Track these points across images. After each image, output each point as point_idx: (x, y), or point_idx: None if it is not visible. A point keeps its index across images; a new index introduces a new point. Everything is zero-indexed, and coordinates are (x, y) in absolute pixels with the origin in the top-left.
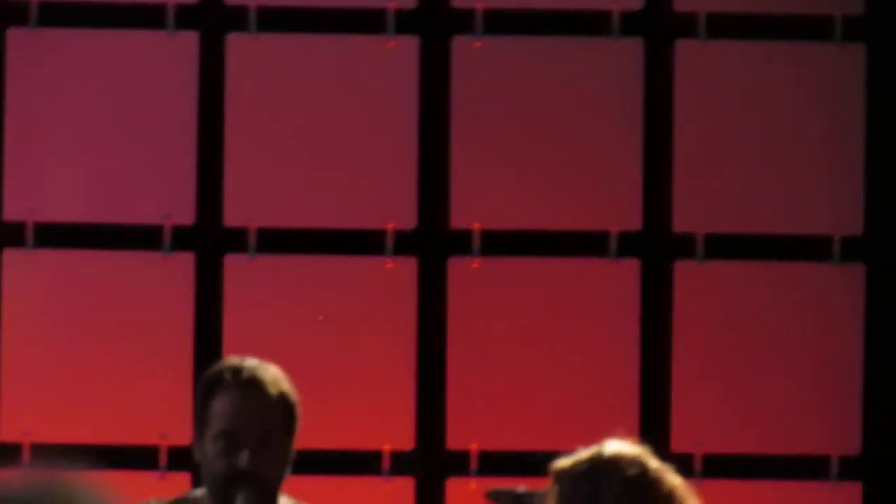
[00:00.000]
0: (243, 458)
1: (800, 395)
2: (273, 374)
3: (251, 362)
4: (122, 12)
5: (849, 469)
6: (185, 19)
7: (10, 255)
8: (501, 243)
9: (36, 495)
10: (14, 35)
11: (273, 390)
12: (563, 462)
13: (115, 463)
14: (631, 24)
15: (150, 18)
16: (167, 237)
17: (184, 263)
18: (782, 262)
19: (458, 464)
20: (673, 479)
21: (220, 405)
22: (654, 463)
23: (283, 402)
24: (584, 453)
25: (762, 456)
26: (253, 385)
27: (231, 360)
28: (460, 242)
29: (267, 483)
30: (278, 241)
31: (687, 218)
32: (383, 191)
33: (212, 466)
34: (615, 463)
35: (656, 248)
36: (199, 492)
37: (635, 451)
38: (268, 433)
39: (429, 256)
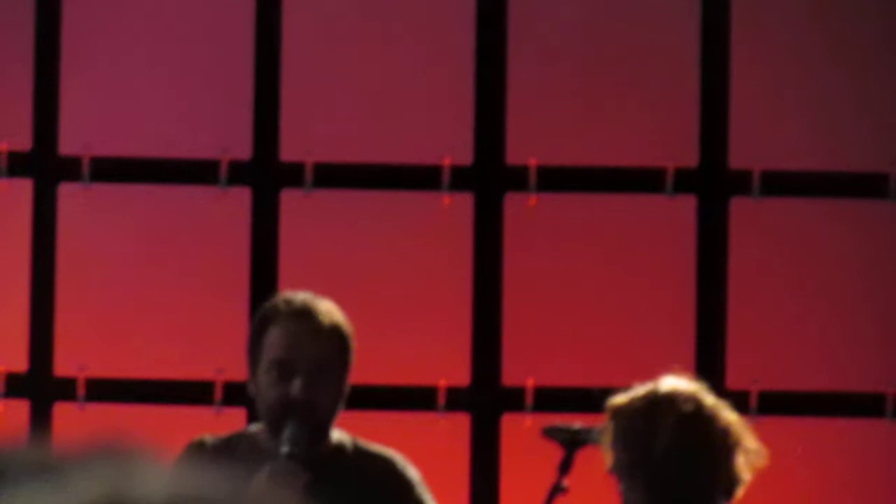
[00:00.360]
0: (296, 386)
1: (855, 332)
2: (327, 306)
3: (304, 295)
4: None
5: None
6: None
7: (67, 189)
8: (558, 179)
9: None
10: None
11: (326, 320)
12: (619, 399)
13: (171, 398)
14: None
15: None
16: (224, 171)
17: (240, 198)
18: (839, 199)
19: (514, 400)
20: (728, 415)
21: (274, 336)
22: (709, 399)
23: (337, 333)
24: (640, 390)
25: (818, 393)
26: (306, 315)
27: (285, 293)
28: (517, 178)
29: (319, 412)
30: (335, 175)
31: (744, 154)
32: (440, 126)
33: (265, 397)
34: (671, 399)
35: (713, 184)
36: (254, 428)
37: (691, 388)
38: (321, 362)
39: (485, 192)
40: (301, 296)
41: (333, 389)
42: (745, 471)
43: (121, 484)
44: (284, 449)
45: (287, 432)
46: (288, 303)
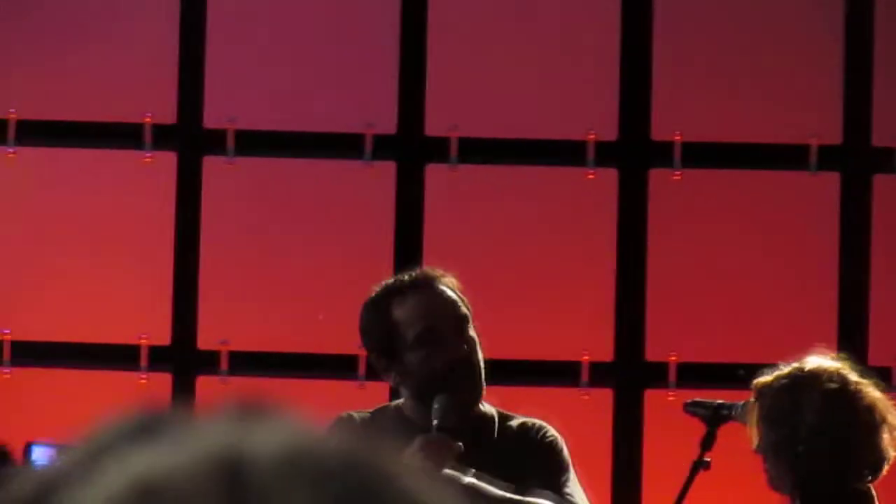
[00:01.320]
0: (453, 347)
1: None
2: (437, 270)
3: (410, 271)
4: None
5: None
6: None
7: (211, 162)
8: (702, 155)
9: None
10: None
11: (450, 284)
12: (764, 377)
13: (314, 371)
14: None
15: None
16: (369, 146)
17: (385, 172)
18: None
19: (657, 375)
20: (874, 392)
21: (408, 311)
22: (854, 377)
23: (460, 294)
24: (784, 368)
25: None
26: (431, 283)
27: (391, 277)
28: (661, 153)
29: (479, 368)
30: (479, 150)
31: (887, 132)
32: (585, 101)
33: (423, 370)
34: (816, 377)
35: (856, 160)
36: (399, 402)
37: (835, 366)
38: (463, 322)
39: (630, 167)
40: (409, 271)
41: (477, 345)
42: (891, 448)
43: (238, 437)
44: (436, 421)
45: (438, 403)
46: (405, 277)
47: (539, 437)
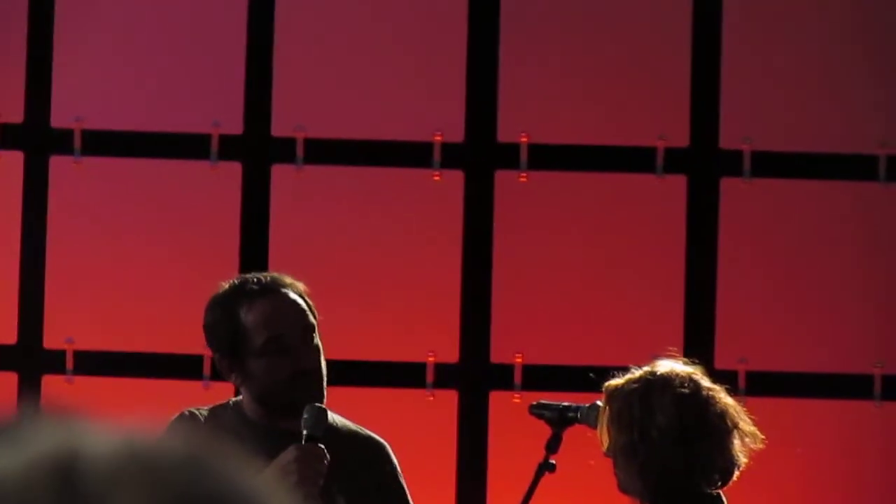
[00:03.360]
0: (300, 359)
1: (843, 313)
2: (286, 277)
3: (260, 273)
4: None
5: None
6: None
7: (58, 161)
8: (549, 157)
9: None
10: None
11: (298, 290)
12: (615, 380)
13: (160, 372)
14: None
15: None
16: (215, 146)
17: (232, 173)
18: (829, 180)
19: (502, 377)
20: (725, 398)
21: (256, 316)
22: (706, 382)
23: (308, 301)
24: (636, 372)
25: (805, 374)
26: (280, 288)
27: (239, 277)
28: (507, 155)
29: (323, 378)
30: (326, 151)
31: (734, 134)
32: (431, 102)
33: (268, 377)
34: (667, 381)
35: (703, 163)
36: (237, 399)
37: (687, 370)
38: (310, 331)
39: (476, 169)
40: (259, 274)
41: (321, 353)
42: (742, 454)
43: (72, 439)
44: (307, 431)
45: (307, 413)
46: (254, 280)
47: (388, 461)
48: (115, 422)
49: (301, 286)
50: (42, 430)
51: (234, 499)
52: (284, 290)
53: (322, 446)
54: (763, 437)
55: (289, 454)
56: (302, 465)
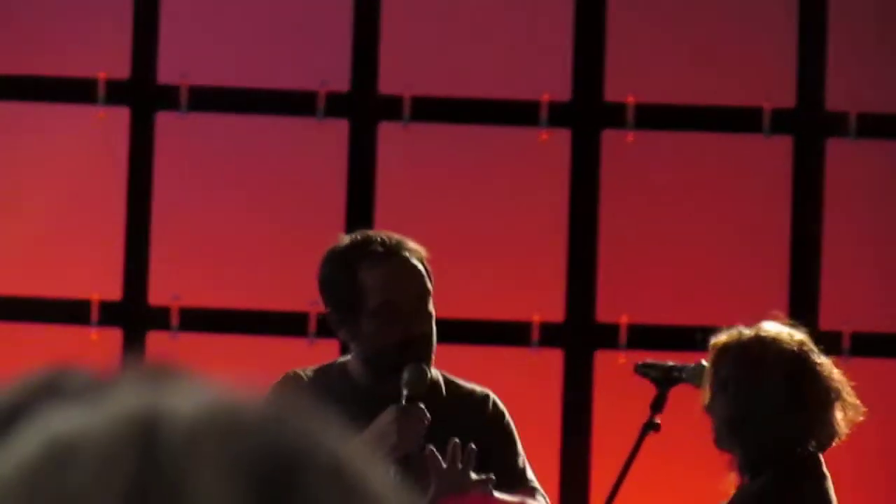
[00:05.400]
0: (413, 326)
1: None
2: (412, 242)
3: (384, 233)
4: None
5: None
6: None
7: (164, 117)
8: (655, 116)
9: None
10: None
11: (419, 256)
12: (722, 338)
13: (265, 329)
14: None
15: None
16: (322, 103)
17: (338, 130)
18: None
19: (608, 336)
20: (831, 368)
21: (375, 278)
22: (813, 351)
23: (427, 269)
24: (743, 334)
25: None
26: (402, 253)
27: (361, 234)
28: (614, 115)
29: (432, 343)
30: (433, 109)
31: (840, 96)
32: (539, 62)
33: (377, 339)
34: (777, 346)
35: (809, 124)
36: (345, 359)
37: (795, 338)
38: (426, 299)
39: (583, 128)
40: (379, 233)
41: (433, 321)
42: (843, 425)
43: (155, 397)
44: (406, 391)
45: (407, 374)
46: (379, 242)
47: (492, 409)
48: (204, 380)
49: (423, 251)
50: (127, 388)
51: (316, 461)
52: (405, 255)
53: (422, 406)
54: (865, 409)
55: (388, 415)
56: (401, 426)
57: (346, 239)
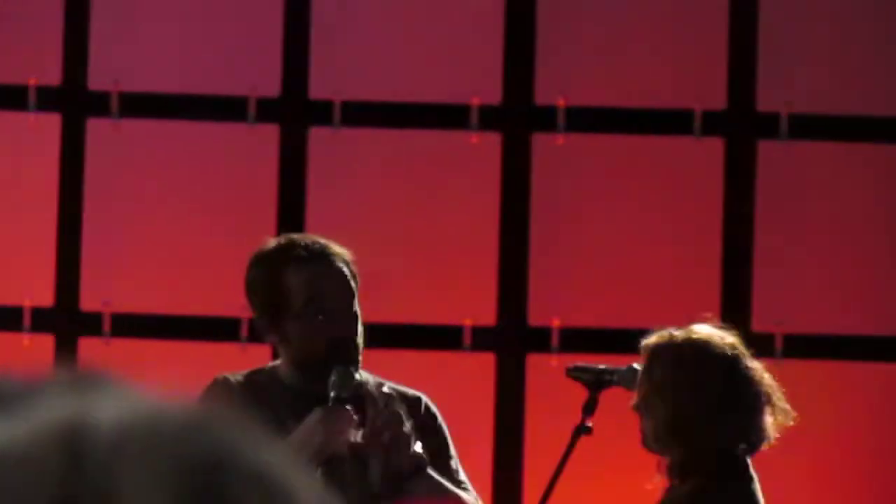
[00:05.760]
0: (339, 327)
1: (880, 276)
2: (334, 244)
3: (308, 236)
4: None
5: None
6: None
7: (95, 123)
8: (587, 119)
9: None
10: None
11: (345, 258)
12: (654, 339)
13: (196, 334)
14: None
15: None
16: (253, 108)
17: (269, 135)
18: (867, 143)
19: (539, 340)
20: (763, 373)
21: (301, 279)
22: (745, 353)
23: (353, 270)
24: (676, 336)
25: (841, 336)
26: (328, 255)
27: (282, 238)
28: (545, 118)
29: (358, 344)
30: (364, 113)
31: (772, 97)
32: (469, 65)
33: (305, 341)
34: (709, 348)
35: (739, 126)
36: (274, 364)
37: (727, 341)
38: (352, 300)
39: (513, 132)
40: (303, 237)
41: (359, 323)
42: (773, 430)
43: (80, 406)
44: (333, 393)
45: (335, 375)
46: (303, 245)
47: (424, 411)
48: (131, 387)
49: (347, 254)
50: (54, 397)
51: (239, 466)
52: (330, 257)
53: (349, 408)
54: (795, 414)
55: (314, 417)
56: (327, 427)
57: (271, 243)
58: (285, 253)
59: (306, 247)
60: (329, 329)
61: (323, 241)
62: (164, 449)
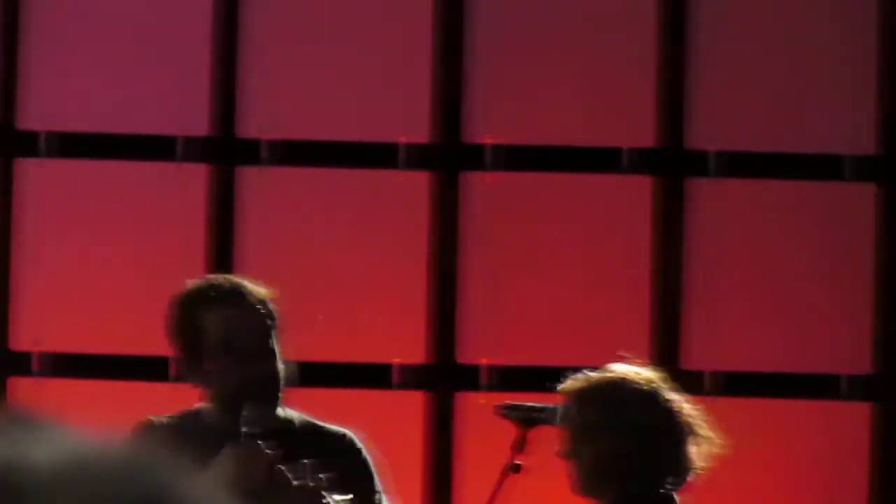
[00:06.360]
0: (255, 365)
1: (813, 315)
2: (250, 283)
3: (220, 276)
4: None
5: (859, 388)
6: None
7: (24, 163)
8: (514, 157)
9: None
10: None
11: (259, 296)
12: (572, 382)
13: (126, 374)
14: None
15: None
16: (181, 147)
17: (197, 174)
18: (796, 180)
19: (469, 378)
20: (683, 403)
21: (215, 319)
22: (663, 387)
23: (269, 307)
24: (592, 376)
25: (775, 374)
26: (241, 294)
27: (200, 279)
28: (474, 157)
29: (279, 387)
30: (293, 152)
31: (698, 135)
32: (397, 103)
33: (222, 380)
34: (627, 385)
35: (669, 165)
36: (202, 405)
37: (644, 375)
38: (268, 338)
39: (442, 170)
40: (221, 277)
41: (279, 359)
42: (699, 459)
43: (12, 448)
44: (246, 429)
45: (248, 412)
46: (216, 286)
47: (350, 447)
48: (62, 428)
49: (263, 291)
50: None
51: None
52: (242, 295)
53: (260, 443)
54: (721, 441)
55: (225, 453)
56: (237, 462)
57: (189, 284)
58: (200, 294)
59: (220, 287)
60: (243, 367)
61: (238, 280)
62: (98, 489)
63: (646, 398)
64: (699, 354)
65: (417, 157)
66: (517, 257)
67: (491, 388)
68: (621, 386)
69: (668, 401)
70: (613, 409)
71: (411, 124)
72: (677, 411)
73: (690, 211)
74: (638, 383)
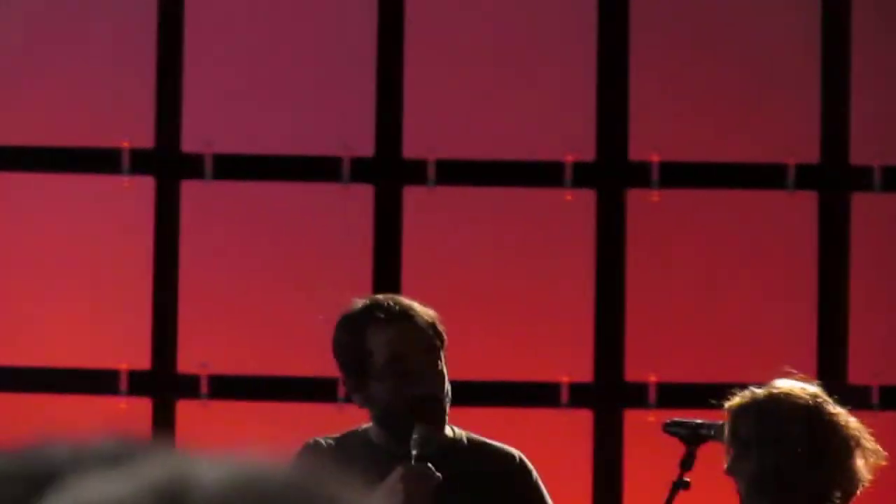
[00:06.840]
0: (422, 386)
1: None
2: (418, 303)
3: (390, 296)
4: None
5: None
6: None
7: (190, 186)
8: (680, 175)
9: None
10: None
11: (427, 317)
12: (736, 399)
13: (295, 395)
14: None
15: None
16: (346, 168)
17: (363, 195)
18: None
19: (636, 395)
20: (847, 417)
21: (382, 340)
22: (827, 402)
23: (438, 328)
24: (757, 392)
25: None
26: (409, 315)
27: (366, 300)
28: (640, 174)
29: (445, 409)
30: (458, 172)
31: (865, 150)
32: (562, 122)
33: (389, 401)
34: (792, 401)
35: (833, 180)
36: (365, 426)
37: (808, 391)
38: (436, 359)
39: (607, 188)
40: (388, 297)
41: (445, 379)
42: (865, 472)
43: (183, 466)
44: (415, 451)
45: (416, 433)
46: (384, 307)
47: (518, 467)
48: (228, 451)
49: (431, 313)
50: (154, 458)
51: None
52: (411, 317)
53: (430, 465)
54: (886, 453)
55: (395, 475)
56: (407, 484)
57: (356, 304)
58: (368, 314)
59: (388, 308)
60: (411, 389)
61: (406, 301)
62: None
63: (809, 413)
64: (866, 367)
65: (584, 175)
66: (683, 274)
67: (658, 405)
68: (785, 401)
69: (832, 415)
70: (776, 425)
71: (577, 142)
72: (841, 424)
73: (855, 224)
74: (801, 398)
